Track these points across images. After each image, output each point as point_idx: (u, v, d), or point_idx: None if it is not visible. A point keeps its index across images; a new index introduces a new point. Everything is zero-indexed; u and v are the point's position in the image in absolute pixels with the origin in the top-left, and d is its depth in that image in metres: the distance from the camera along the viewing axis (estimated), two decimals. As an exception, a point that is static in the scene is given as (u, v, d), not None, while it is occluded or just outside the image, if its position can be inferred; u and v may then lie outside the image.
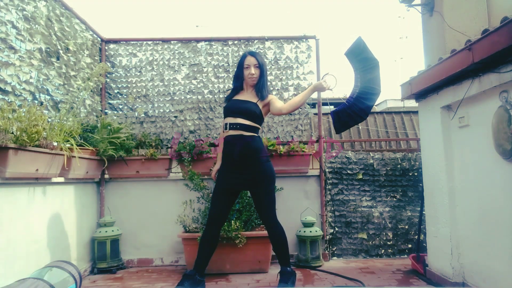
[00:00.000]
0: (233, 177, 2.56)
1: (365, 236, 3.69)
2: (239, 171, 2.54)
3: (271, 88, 3.76)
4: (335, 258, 3.65)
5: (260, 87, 2.63)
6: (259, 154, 2.55)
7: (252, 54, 2.65)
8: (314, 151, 3.64)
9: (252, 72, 2.60)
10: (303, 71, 3.79)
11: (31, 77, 2.53)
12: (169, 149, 3.65)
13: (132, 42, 3.76)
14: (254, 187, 2.57)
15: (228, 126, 2.58)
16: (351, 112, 2.44)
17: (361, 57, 2.45)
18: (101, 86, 3.65)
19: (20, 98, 2.41)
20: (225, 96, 2.82)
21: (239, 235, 3.01)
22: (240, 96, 2.68)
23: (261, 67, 2.63)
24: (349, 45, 2.49)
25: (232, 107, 2.61)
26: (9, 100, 2.30)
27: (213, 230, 2.58)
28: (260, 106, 2.61)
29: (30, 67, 2.52)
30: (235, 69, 2.75)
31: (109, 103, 3.72)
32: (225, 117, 2.66)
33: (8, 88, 2.29)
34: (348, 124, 2.50)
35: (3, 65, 2.27)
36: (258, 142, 2.58)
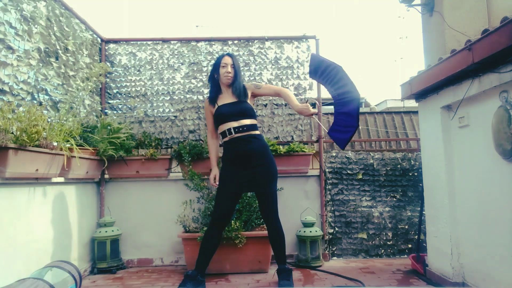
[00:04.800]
0: (240, 181, 2.55)
1: (365, 236, 3.69)
2: (247, 171, 2.55)
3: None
4: (335, 258, 3.66)
5: (238, 87, 2.66)
6: (268, 151, 2.64)
7: (230, 55, 2.69)
8: (314, 151, 3.64)
9: (228, 70, 2.63)
10: (304, 71, 3.79)
11: (28, 77, 2.52)
12: (169, 149, 3.65)
13: (132, 42, 3.76)
14: (261, 186, 2.58)
15: (233, 130, 2.57)
16: (341, 128, 2.33)
17: (321, 71, 2.42)
18: (101, 86, 3.64)
19: (18, 98, 2.41)
20: (207, 97, 2.76)
21: (239, 235, 3.01)
22: (226, 99, 2.67)
23: (236, 68, 2.66)
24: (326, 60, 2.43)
25: (232, 111, 2.59)
26: (7, 100, 2.29)
27: (216, 231, 2.60)
28: (250, 102, 2.70)
29: (28, 67, 2.52)
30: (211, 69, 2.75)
31: (108, 103, 3.72)
32: (222, 123, 2.62)
33: (6, 88, 2.28)
34: (346, 139, 2.34)
35: (1, 65, 2.27)
36: (264, 140, 2.68)
